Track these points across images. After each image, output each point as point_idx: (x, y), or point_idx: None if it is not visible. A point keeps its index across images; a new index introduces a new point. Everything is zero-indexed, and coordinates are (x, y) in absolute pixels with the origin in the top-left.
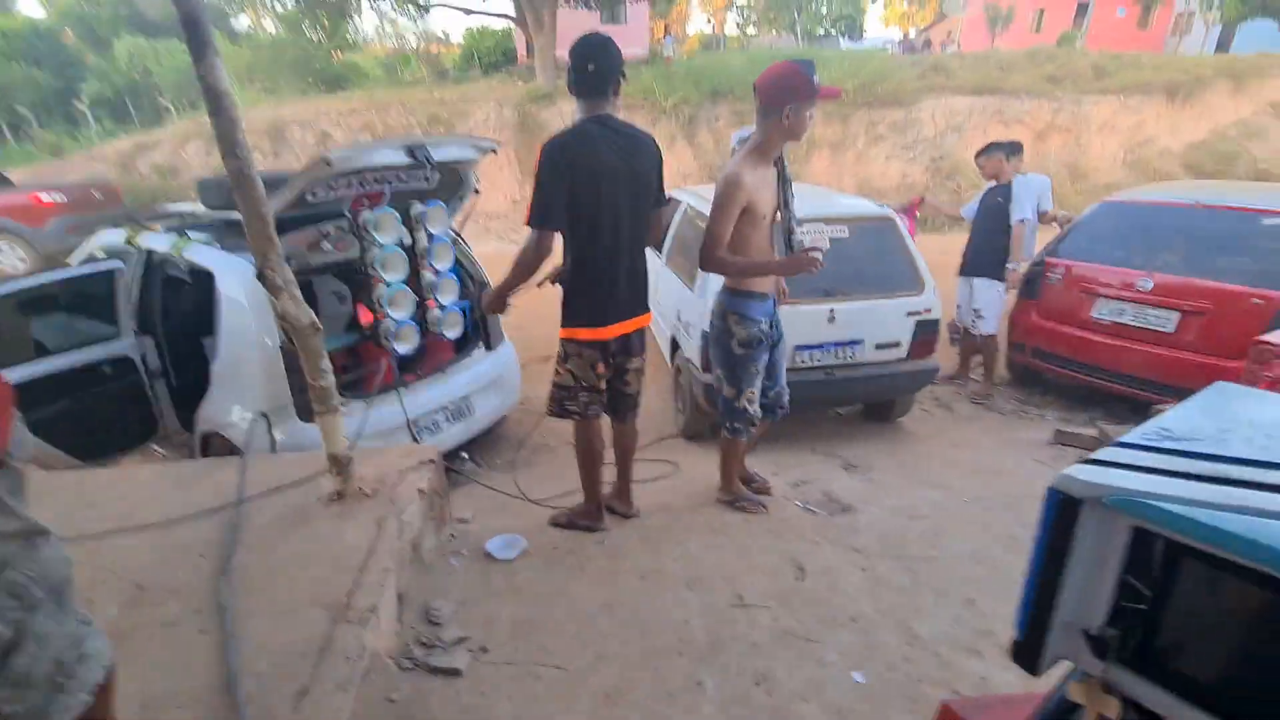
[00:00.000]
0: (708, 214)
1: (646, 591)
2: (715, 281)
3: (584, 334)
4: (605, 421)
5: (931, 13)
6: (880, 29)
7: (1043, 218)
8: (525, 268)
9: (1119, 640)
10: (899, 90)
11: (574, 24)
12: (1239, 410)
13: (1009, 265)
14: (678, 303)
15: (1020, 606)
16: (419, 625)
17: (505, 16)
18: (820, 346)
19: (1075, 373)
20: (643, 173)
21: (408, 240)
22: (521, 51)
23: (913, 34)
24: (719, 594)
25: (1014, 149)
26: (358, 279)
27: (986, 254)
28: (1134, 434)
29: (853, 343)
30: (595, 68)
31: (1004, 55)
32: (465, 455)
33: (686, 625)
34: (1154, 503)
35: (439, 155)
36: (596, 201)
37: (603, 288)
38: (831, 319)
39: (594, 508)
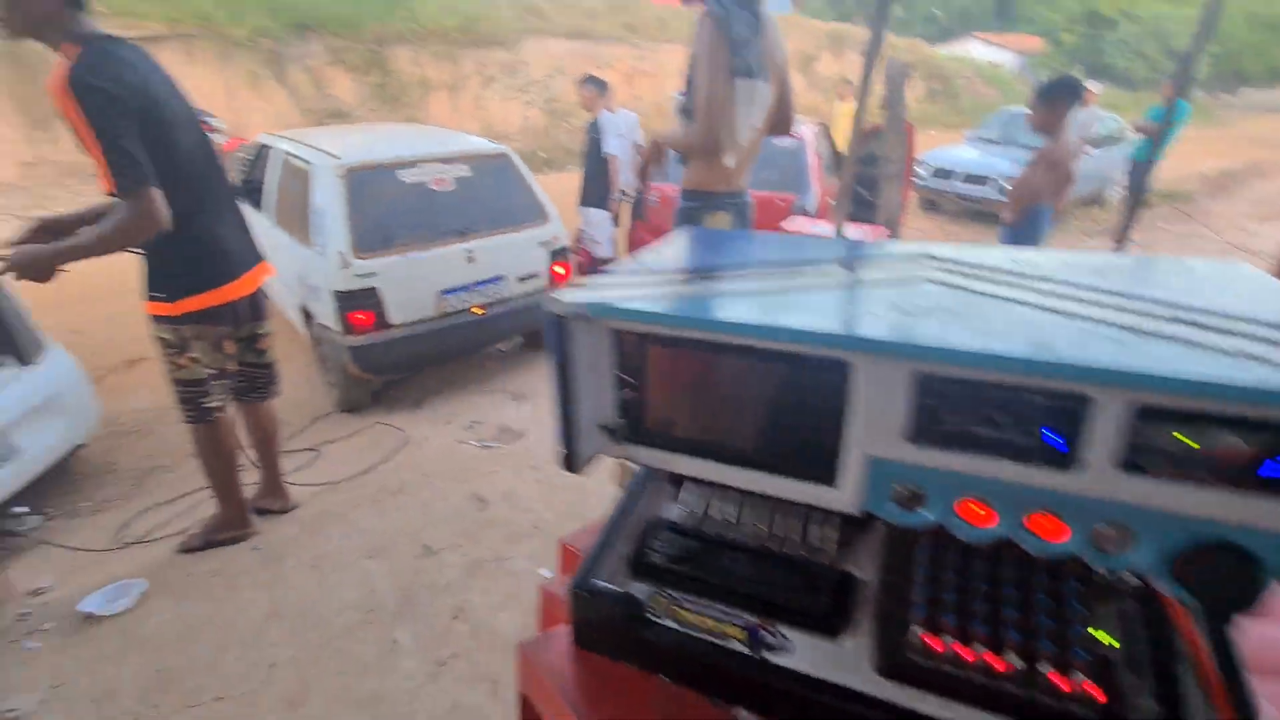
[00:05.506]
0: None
1: (318, 580)
2: (337, 236)
3: (210, 299)
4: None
5: None
6: None
7: (639, 150)
8: (128, 241)
9: (624, 426)
10: (500, 30)
11: None
12: (684, 242)
13: (611, 196)
14: (299, 266)
15: (557, 424)
16: None
17: None
18: (466, 288)
19: None
20: (183, 94)
21: None
22: None
23: None
24: (404, 553)
25: (602, 86)
26: None
27: (592, 186)
28: (613, 267)
29: (496, 279)
30: None
31: (588, 3)
32: (24, 509)
33: (373, 594)
34: (619, 304)
35: None
36: (169, 136)
37: (211, 237)
38: (471, 259)
39: (236, 513)
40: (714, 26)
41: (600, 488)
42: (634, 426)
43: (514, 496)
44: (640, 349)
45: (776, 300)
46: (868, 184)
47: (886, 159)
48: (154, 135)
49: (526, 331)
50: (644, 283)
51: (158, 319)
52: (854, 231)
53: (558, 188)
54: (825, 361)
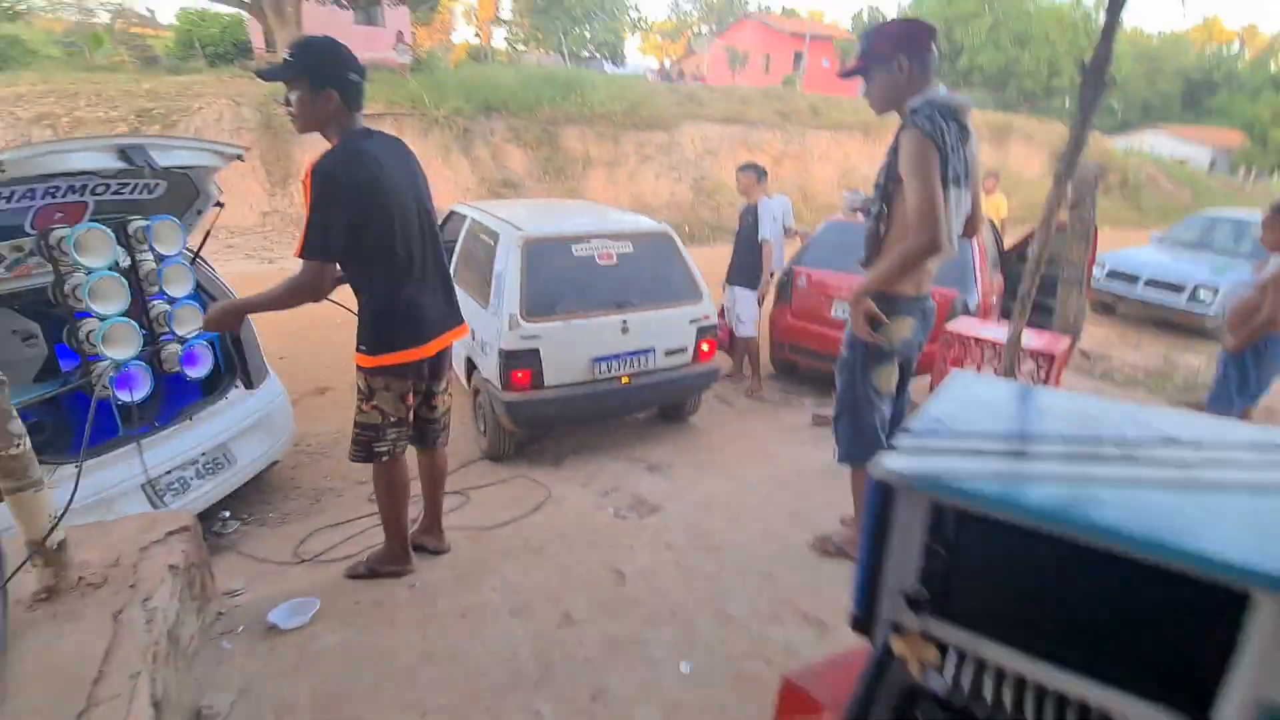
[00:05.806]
0: (495, 232)
1: (468, 629)
2: (512, 299)
3: (398, 357)
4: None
5: (682, 46)
6: (638, 57)
7: (788, 233)
8: (291, 301)
9: (930, 598)
10: (661, 115)
11: (320, 20)
12: (975, 394)
13: (762, 278)
14: (472, 322)
15: (856, 584)
16: None
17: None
18: (617, 357)
19: (825, 364)
20: (420, 177)
21: (126, 262)
22: (258, 43)
23: (668, 64)
24: (545, 616)
25: (761, 173)
26: (53, 312)
27: (742, 266)
28: (917, 423)
29: (645, 351)
30: (357, 76)
31: (744, 91)
32: (227, 514)
33: (515, 656)
34: (946, 481)
35: (166, 160)
36: (390, 223)
37: (413, 304)
38: (625, 330)
39: (400, 549)
40: (924, 139)
41: (735, 579)
42: (940, 600)
43: (650, 575)
44: (963, 525)
45: (1127, 497)
46: (1042, 285)
47: (1067, 262)
48: (373, 215)
49: (664, 403)
50: (958, 449)
51: (359, 367)
52: (1033, 339)
53: (699, 260)
54: (1216, 589)
